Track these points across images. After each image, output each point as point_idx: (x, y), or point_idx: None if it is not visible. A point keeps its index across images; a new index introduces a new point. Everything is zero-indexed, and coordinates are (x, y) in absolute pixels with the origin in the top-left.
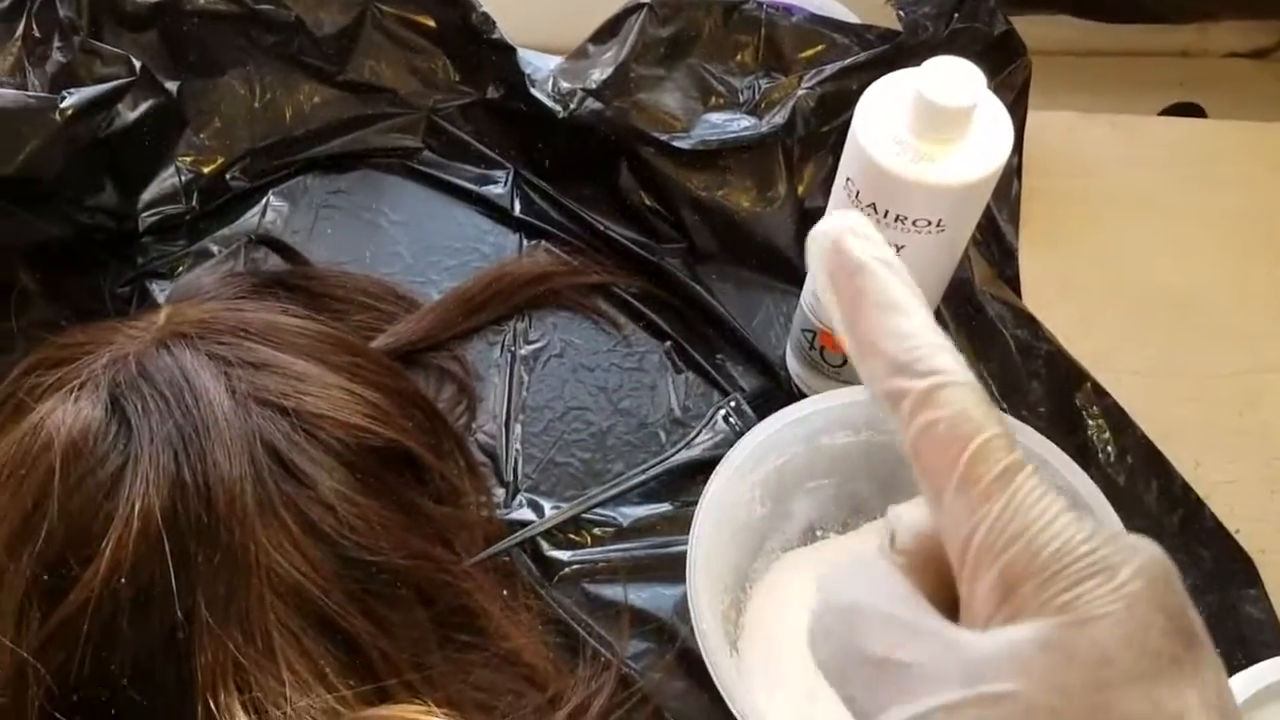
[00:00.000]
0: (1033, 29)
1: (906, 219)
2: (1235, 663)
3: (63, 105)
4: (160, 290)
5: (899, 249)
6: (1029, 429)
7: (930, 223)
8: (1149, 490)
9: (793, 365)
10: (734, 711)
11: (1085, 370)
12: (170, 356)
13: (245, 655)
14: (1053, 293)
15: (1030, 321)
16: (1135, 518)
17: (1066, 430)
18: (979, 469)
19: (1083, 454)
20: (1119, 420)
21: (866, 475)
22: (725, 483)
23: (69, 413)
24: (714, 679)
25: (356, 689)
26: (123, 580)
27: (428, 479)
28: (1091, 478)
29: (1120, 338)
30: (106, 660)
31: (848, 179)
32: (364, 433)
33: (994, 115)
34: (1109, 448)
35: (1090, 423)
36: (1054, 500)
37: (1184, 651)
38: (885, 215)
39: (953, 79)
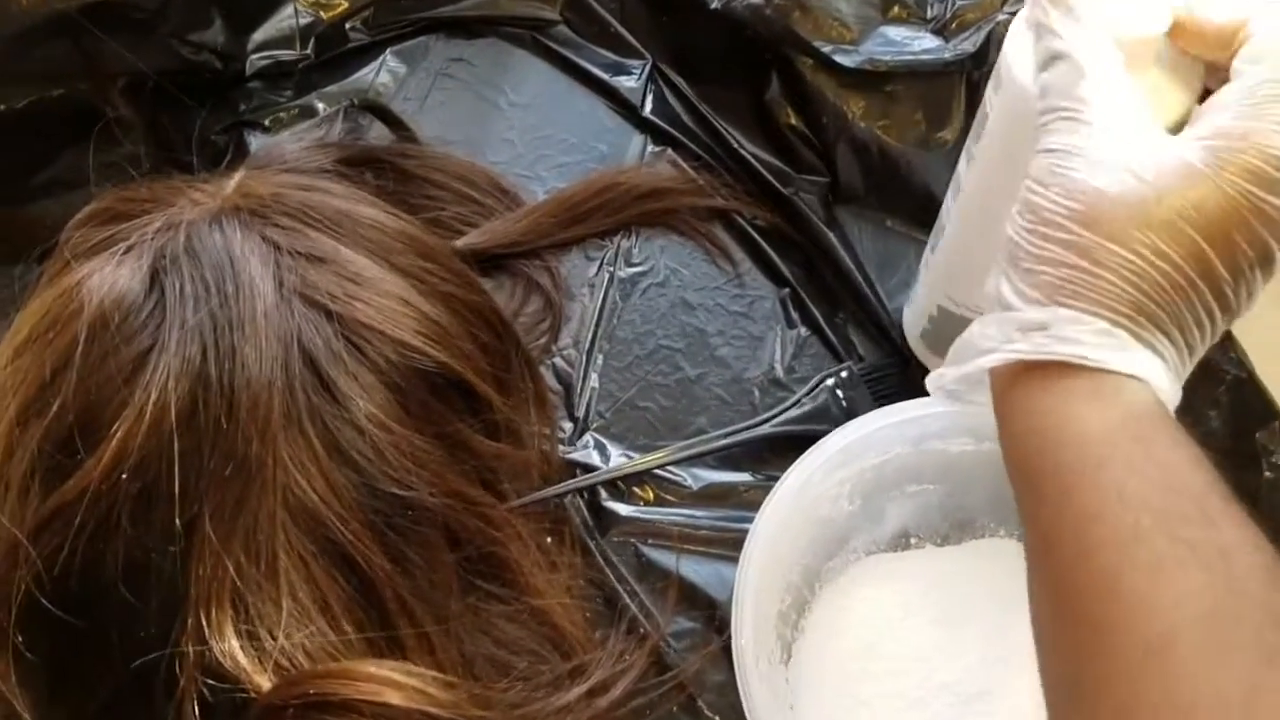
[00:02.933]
0: None
1: None
2: None
3: None
4: (258, 144)
5: None
6: None
7: None
8: None
9: (918, 347)
10: None
11: (1277, 405)
12: (221, 235)
13: (245, 575)
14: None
15: (1224, 336)
16: None
17: (1238, 468)
18: None
19: (1250, 498)
20: None
21: (981, 488)
22: (806, 477)
23: (106, 279)
24: (743, 699)
25: (365, 633)
26: (124, 476)
27: (481, 410)
28: None
29: None
30: (101, 554)
31: None
32: (415, 353)
33: None
34: None
35: (1267, 466)
36: None
37: None
38: None
39: None
